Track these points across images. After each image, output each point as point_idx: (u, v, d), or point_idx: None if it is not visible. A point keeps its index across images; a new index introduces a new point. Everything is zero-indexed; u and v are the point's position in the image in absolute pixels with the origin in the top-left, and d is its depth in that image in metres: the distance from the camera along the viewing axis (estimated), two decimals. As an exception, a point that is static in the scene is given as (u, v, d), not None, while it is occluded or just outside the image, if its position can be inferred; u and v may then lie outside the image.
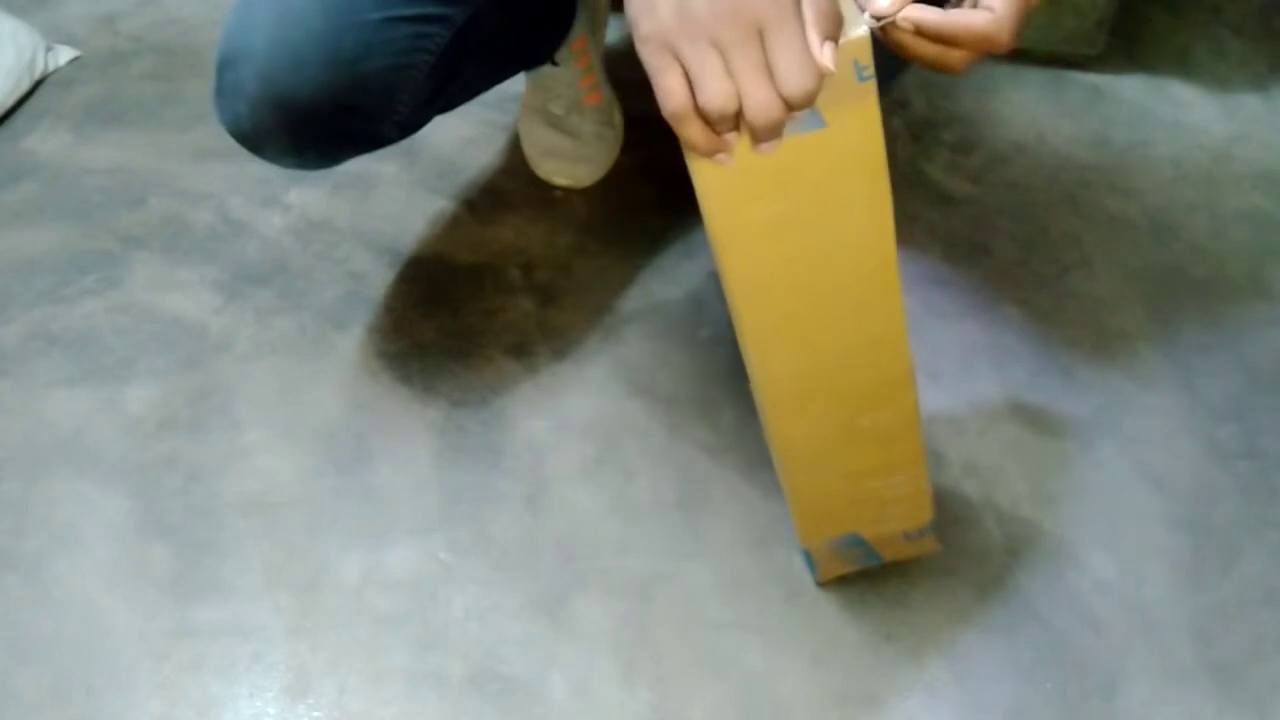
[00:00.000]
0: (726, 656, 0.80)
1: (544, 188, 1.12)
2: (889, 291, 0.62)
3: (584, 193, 1.12)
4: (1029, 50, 1.28)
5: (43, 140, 1.19)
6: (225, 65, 0.72)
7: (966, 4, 0.56)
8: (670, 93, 0.51)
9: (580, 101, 1.11)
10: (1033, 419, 0.94)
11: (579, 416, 0.94)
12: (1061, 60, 1.27)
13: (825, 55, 0.49)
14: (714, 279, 1.03)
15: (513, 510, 0.88)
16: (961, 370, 0.97)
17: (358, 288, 1.04)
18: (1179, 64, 1.28)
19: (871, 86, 0.52)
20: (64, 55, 1.27)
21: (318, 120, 0.73)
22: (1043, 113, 1.22)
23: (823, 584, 0.83)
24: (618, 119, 1.15)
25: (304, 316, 1.01)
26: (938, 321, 1.00)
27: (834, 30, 0.49)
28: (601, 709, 0.77)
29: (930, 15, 0.54)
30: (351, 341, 0.99)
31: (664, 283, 1.04)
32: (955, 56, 0.56)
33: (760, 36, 0.49)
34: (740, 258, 0.58)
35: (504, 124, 1.19)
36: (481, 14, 0.79)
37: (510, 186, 1.13)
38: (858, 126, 0.53)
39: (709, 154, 0.53)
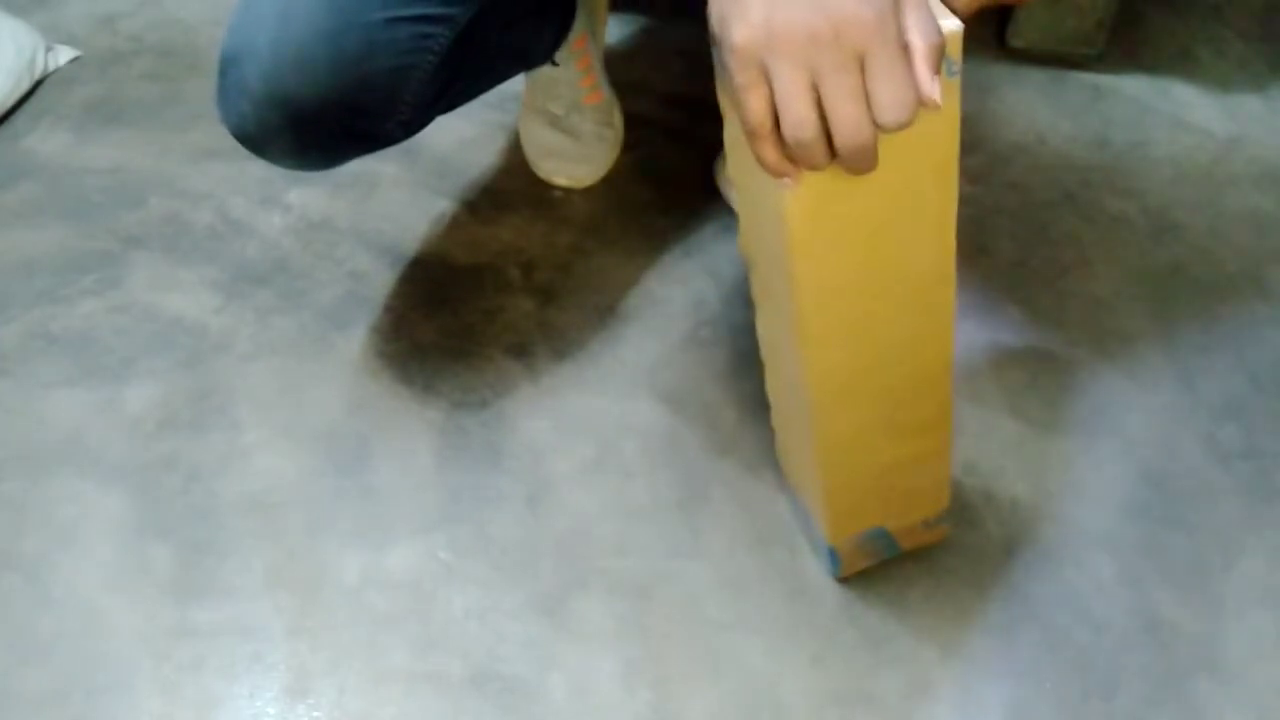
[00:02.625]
0: (726, 656, 0.80)
1: (544, 188, 1.12)
2: (945, 286, 0.62)
3: (584, 193, 1.12)
4: (1029, 50, 1.28)
5: (43, 140, 1.19)
6: (228, 64, 0.72)
7: None
8: (754, 112, 0.49)
9: (580, 101, 1.11)
10: (1033, 419, 0.94)
11: (579, 416, 0.94)
12: (1061, 60, 1.27)
13: (934, 89, 0.48)
14: (714, 279, 1.03)
15: (513, 510, 0.88)
16: (961, 370, 0.97)
17: (358, 288, 1.04)
18: (1179, 64, 1.28)
19: (957, 84, 0.51)
20: (64, 55, 1.27)
21: (321, 120, 0.73)
22: (1043, 113, 1.22)
23: (843, 579, 0.83)
24: (618, 119, 1.15)
25: (304, 316, 1.01)
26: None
27: (938, 62, 0.49)
28: (601, 709, 0.77)
29: None
30: (351, 341, 0.99)
31: (664, 283, 1.04)
32: None
33: (860, 63, 0.47)
34: (814, 260, 0.57)
35: (504, 124, 1.19)
36: (484, 14, 0.79)
37: (510, 186, 1.13)
38: (940, 123, 0.53)
39: (777, 176, 0.52)
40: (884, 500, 0.76)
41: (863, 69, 0.48)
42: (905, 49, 0.48)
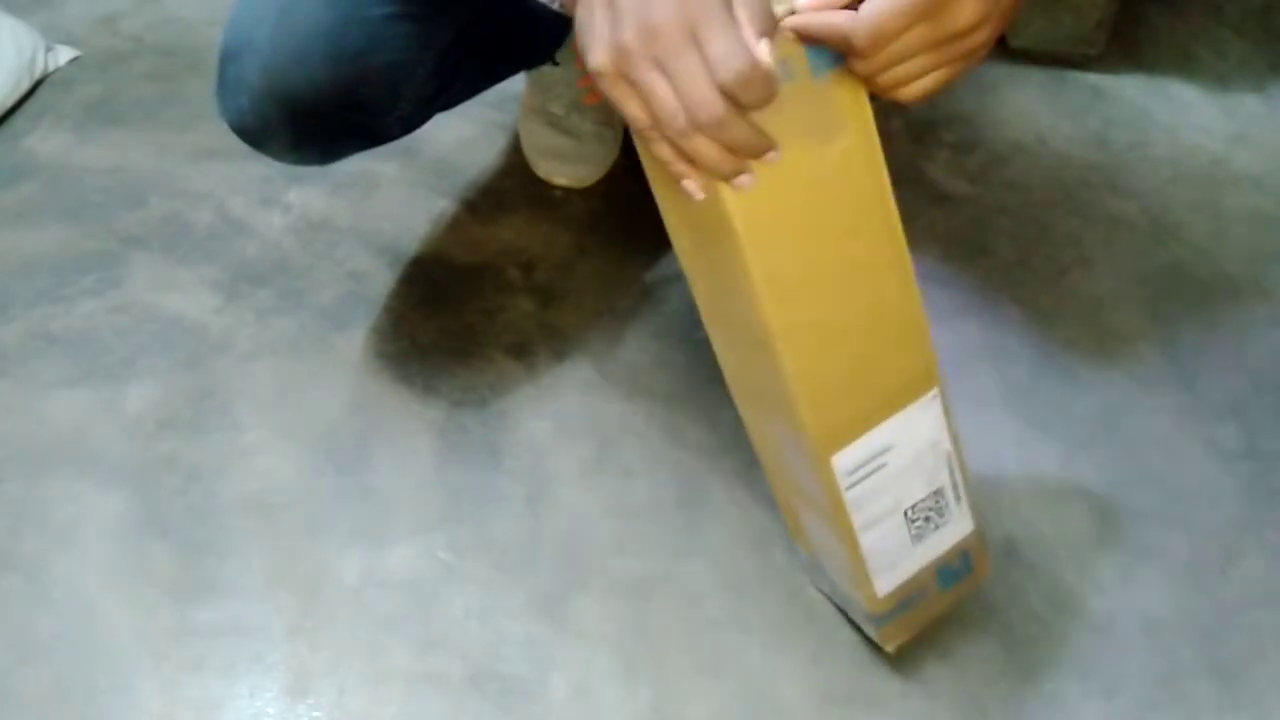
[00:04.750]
0: (726, 656, 0.80)
1: (544, 188, 1.12)
2: (899, 268, 0.62)
3: (584, 193, 1.12)
4: (1029, 50, 1.28)
5: (43, 140, 1.19)
6: (228, 59, 0.72)
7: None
8: (636, 119, 0.51)
9: (580, 101, 1.11)
10: (1033, 419, 0.94)
11: (579, 416, 0.94)
12: (1061, 60, 1.27)
13: (761, 49, 0.48)
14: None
15: (513, 510, 0.88)
16: (961, 370, 0.97)
17: (358, 288, 1.04)
18: (1179, 64, 1.28)
19: (834, 75, 0.53)
20: (64, 55, 1.27)
21: (320, 115, 0.73)
22: (1043, 113, 1.22)
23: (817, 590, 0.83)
24: (617, 119, 1.15)
25: (304, 316, 1.01)
26: (938, 321, 1.00)
27: (768, 28, 0.49)
28: (601, 709, 0.77)
29: (803, 16, 0.52)
30: (351, 341, 0.99)
31: (664, 283, 1.04)
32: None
33: (695, 41, 0.48)
34: (767, 262, 0.57)
35: (504, 124, 1.19)
36: (483, 12, 0.79)
37: (510, 186, 1.13)
38: (847, 107, 0.54)
39: (676, 176, 0.53)
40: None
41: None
42: (733, 19, 0.48)
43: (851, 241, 0.59)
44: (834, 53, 0.52)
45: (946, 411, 0.68)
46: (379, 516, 0.88)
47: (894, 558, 0.71)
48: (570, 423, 0.93)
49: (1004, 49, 1.28)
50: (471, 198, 1.12)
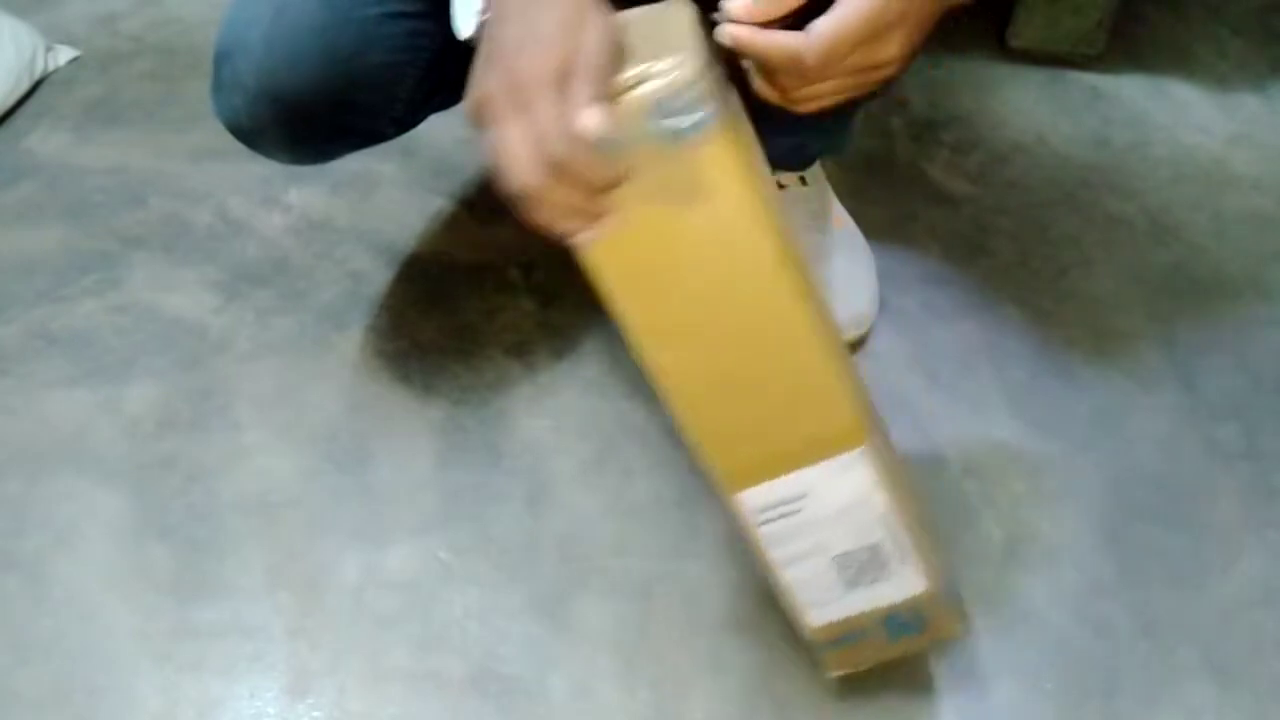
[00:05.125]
0: (726, 656, 0.80)
1: (544, 188, 1.12)
2: (797, 316, 0.58)
3: (584, 193, 1.12)
4: (1028, 50, 1.28)
5: (43, 140, 1.19)
6: (223, 59, 0.72)
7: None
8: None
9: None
10: (1033, 419, 0.94)
11: (579, 416, 0.94)
12: (1061, 60, 1.27)
13: (588, 122, 0.48)
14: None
15: (513, 510, 0.88)
16: (961, 370, 0.97)
17: (358, 287, 1.04)
18: (1179, 64, 1.28)
19: (708, 130, 0.50)
20: (64, 55, 1.27)
21: (314, 115, 0.73)
22: (1042, 113, 1.22)
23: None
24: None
25: (304, 316, 1.01)
26: (938, 321, 1.00)
27: (602, 95, 0.48)
28: (601, 709, 0.77)
29: (745, 30, 0.51)
30: (351, 341, 0.99)
31: (664, 283, 1.04)
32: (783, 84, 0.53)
33: (524, 110, 0.49)
34: (641, 306, 0.57)
35: (504, 124, 1.18)
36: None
37: (510, 186, 1.13)
38: (711, 160, 0.52)
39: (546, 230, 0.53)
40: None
41: None
42: (566, 92, 0.48)
43: (735, 303, 0.57)
44: (699, 117, 0.50)
45: (886, 471, 0.64)
46: (379, 516, 0.88)
47: (824, 596, 0.69)
48: (570, 423, 0.93)
49: (1003, 49, 1.28)
50: (471, 197, 1.12)
